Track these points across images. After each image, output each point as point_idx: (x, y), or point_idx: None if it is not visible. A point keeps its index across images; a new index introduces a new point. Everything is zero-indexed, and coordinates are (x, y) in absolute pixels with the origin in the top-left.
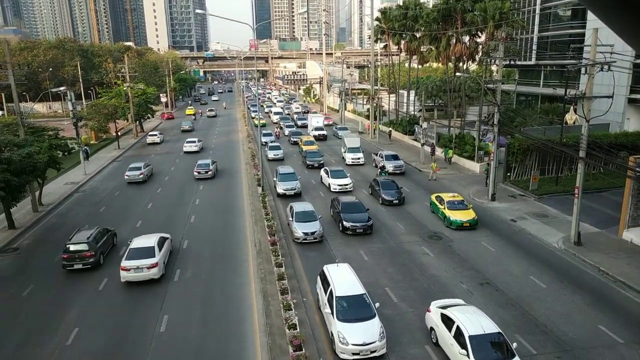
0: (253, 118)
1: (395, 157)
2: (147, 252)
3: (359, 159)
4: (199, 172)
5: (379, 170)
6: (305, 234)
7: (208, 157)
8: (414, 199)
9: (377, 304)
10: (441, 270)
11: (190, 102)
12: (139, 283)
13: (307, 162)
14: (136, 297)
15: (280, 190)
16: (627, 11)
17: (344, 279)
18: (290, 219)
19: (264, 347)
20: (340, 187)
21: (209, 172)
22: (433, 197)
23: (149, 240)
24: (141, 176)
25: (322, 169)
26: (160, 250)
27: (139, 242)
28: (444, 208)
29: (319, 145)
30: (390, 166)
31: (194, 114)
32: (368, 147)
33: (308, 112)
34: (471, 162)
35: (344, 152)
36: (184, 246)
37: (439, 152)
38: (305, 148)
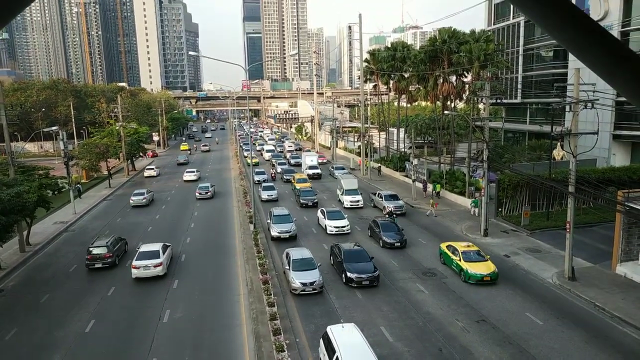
0: (246, 157)
1: (394, 197)
2: (154, 254)
3: (357, 201)
4: (200, 194)
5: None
6: (304, 284)
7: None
8: (408, 236)
9: None
10: (436, 308)
11: (184, 139)
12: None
13: (301, 200)
14: (123, 338)
15: (274, 233)
16: (596, 47)
17: (351, 344)
18: (287, 267)
19: None
20: (337, 230)
21: (209, 193)
22: (443, 246)
23: (154, 245)
24: (144, 200)
25: (319, 210)
26: (164, 253)
27: (146, 247)
28: (460, 260)
29: (314, 184)
30: (390, 206)
31: (188, 149)
32: (360, 183)
33: (301, 150)
34: (462, 198)
35: (341, 194)
36: (174, 286)
37: (431, 188)
38: (298, 186)
